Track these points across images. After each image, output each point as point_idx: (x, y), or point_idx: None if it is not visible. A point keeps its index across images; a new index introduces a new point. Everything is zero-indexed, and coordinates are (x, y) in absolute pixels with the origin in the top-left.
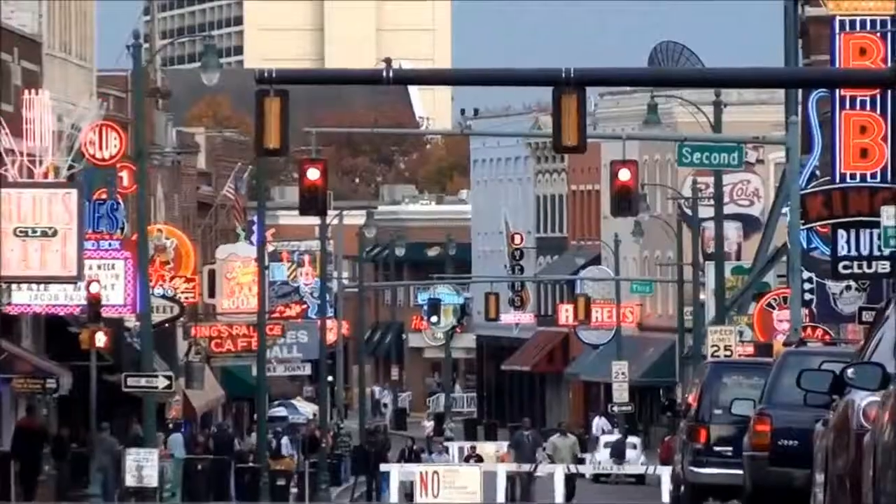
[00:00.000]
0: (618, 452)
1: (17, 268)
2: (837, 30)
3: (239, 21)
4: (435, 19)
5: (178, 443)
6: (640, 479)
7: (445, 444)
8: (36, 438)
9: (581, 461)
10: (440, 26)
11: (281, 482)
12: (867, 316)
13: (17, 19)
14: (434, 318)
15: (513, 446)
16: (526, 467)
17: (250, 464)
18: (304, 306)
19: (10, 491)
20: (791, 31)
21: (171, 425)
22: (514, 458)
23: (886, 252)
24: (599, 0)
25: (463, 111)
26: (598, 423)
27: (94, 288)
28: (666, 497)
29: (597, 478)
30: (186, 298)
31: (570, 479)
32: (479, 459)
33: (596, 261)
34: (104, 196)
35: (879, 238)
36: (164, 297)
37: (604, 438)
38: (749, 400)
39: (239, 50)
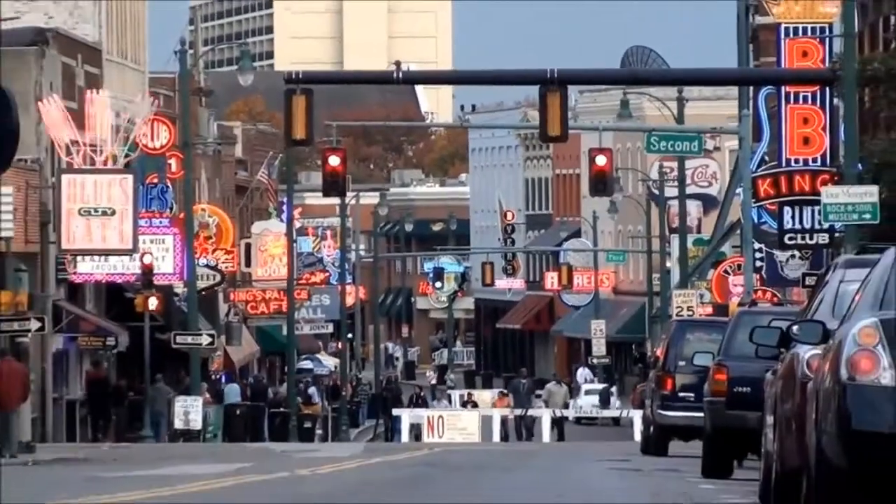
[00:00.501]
0: (604, 399)
1: (81, 242)
2: (783, 35)
3: (270, 30)
4: (438, 27)
5: (234, 392)
6: (616, 421)
7: (448, 391)
8: (102, 388)
9: (567, 406)
10: (442, 34)
11: (308, 425)
12: (810, 280)
13: (81, 29)
14: (438, 284)
15: (511, 392)
16: (518, 411)
17: (282, 409)
18: (327, 274)
19: (75, 432)
20: (743, 37)
21: (216, 377)
22: (513, 402)
23: (825, 226)
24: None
25: (462, 107)
26: (582, 372)
27: (147, 259)
28: (638, 437)
29: (579, 420)
30: (226, 268)
31: (559, 422)
32: (476, 405)
33: (577, 234)
34: (155, 180)
35: (820, 214)
36: (207, 266)
37: (586, 387)
38: (708, 353)
39: (270, 55)
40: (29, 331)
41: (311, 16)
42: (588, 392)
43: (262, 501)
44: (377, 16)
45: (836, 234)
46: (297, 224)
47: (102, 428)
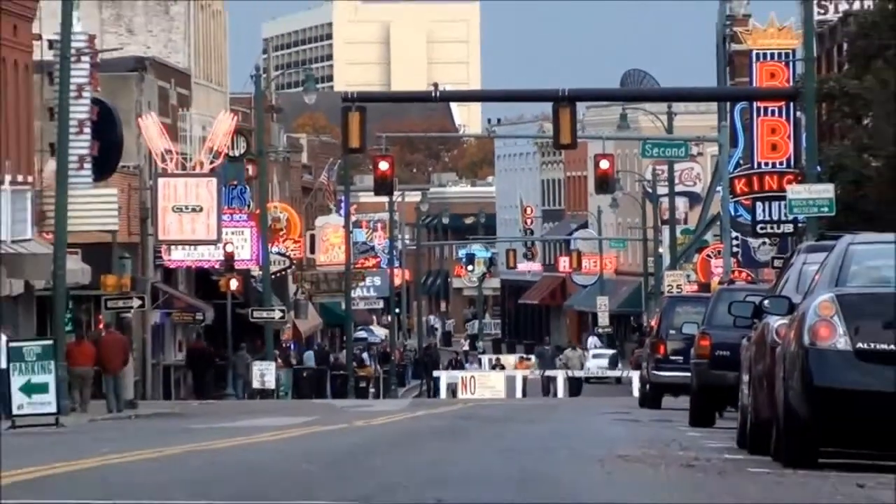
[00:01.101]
0: (613, 363)
1: (174, 234)
2: (754, 60)
3: (330, 58)
4: (469, 54)
5: (310, 357)
6: (618, 380)
7: (478, 356)
8: (202, 356)
9: (582, 367)
10: (472, 59)
11: (363, 384)
12: (777, 263)
13: (173, 58)
14: (470, 267)
15: (537, 356)
16: (537, 373)
17: (341, 371)
18: (378, 259)
19: (171, 391)
20: (721, 61)
21: (286, 345)
22: (538, 364)
23: (790, 218)
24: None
25: (489, 120)
26: (592, 340)
27: (229, 248)
28: (636, 393)
29: (587, 379)
30: (294, 254)
31: (577, 381)
32: (502, 368)
33: (584, 225)
34: (235, 183)
35: (785, 208)
36: (278, 253)
37: (594, 351)
38: (694, 323)
39: (330, 78)
40: (131, 308)
41: (364, 45)
42: (596, 356)
43: (327, 448)
44: (418, 46)
45: (799, 225)
46: (353, 218)
47: (201, 389)
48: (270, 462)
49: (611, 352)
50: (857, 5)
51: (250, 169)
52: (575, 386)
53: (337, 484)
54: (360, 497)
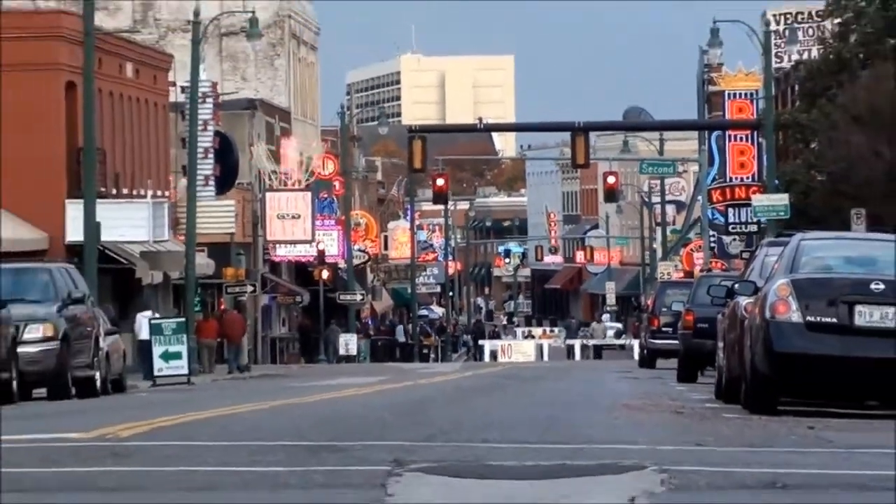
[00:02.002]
0: (618, 333)
1: (278, 235)
2: (727, 98)
3: (398, 98)
4: (504, 95)
5: (400, 331)
6: (622, 347)
7: (514, 329)
8: (307, 330)
9: (605, 336)
10: (507, 99)
11: (426, 351)
12: (745, 255)
13: (277, 99)
14: (507, 260)
15: (565, 328)
16: (560, 342)
17: (409, 341)
18: (436, 254)
19: (276, 358)
20: (701, 99)
21: (365, 321)
22: (566, 335)
23: (755, 220)
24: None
25: (521, 145)
26: (605, 317)
27: (321, 246)
28: (636, 357)
29: (601, 347)
30: (371, 251)
31: (599, 349)
32: (532, 337)
33: (595, 227)
34: (325, 196)
35: (751, 212)
36: (359, 250)
37: (607, 325)
38: (681, 302)
39: (399, 114)
40: (245, 293)
41: (425, 88)
42: (608, 329)
43: (397, 401)
44: (466, 89)
45: (762, 225)
46: (417, 222)
47: (307, 354)
48: (353, 411)
49: (617, 325)
50: (805, 55)
51: (337, 185)
52: (597, 352)
53: (405, 428)
54: (424, 437)
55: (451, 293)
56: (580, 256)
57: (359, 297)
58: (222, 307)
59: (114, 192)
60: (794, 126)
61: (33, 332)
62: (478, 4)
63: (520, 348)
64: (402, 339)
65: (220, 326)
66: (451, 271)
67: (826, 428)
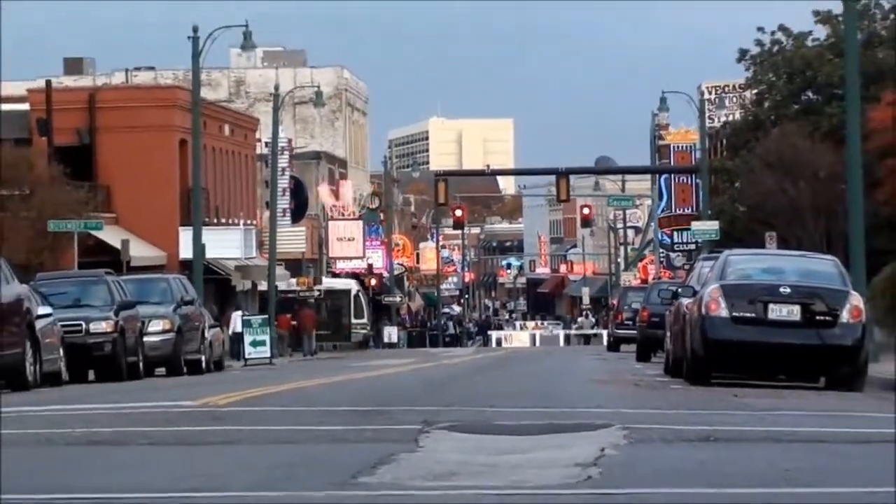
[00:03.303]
0: (591, 325)
1: (338, 253)
2: (672, 149)
3: (427, 150)
4: (507, 147)
5: (450, 325)
6: (595, 336)
7: (514, 322)
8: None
9: (592, 328)
10: (508, 150)
11: (447, 339)
12: (686, 267)
13: (337, 151)
14: (508, 271)
15: (561, 321)
16: (548, 332)
17: (435, 331)
18: (455, 267)
19: (336, 346)
20: (653, 149)
21: (403, 317)
22: (562, 326)
23: (694, 241)
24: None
25: (519, 185)
26: (587, 314)
27: (370, 261)
28: (605, 343)
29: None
30: (407, 264)
31: (588, 338)
32: (527, 329)
33: (574, 246)
34: (373, 224)
35: (691, 235)
36: (399, 264)
37: (584, 320)
38: (638, 302)
39: (427, 161)
40: (313, 296)
41: (447, 143)
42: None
43: (425, 376)
44: (477, 143)
45: (699, 245)
46: (441, 243)
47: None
48: (394, 384)
49: (592, 320)
50: (730, 117)
51: (381, 215)
52: (586, 339)
53: (431, 397)
54: (446, 404)
55: (466, 296)
56: (563, 268)
57: (398, 299)
58: (298, 307)
59: (215, 221)
60: (723, 170)
61: (155, 325)
62: (486, 80)
63: (518, 337)
64: (450, 330)
65: (297, 320)
66: (466, 280)
67: (747, 396)
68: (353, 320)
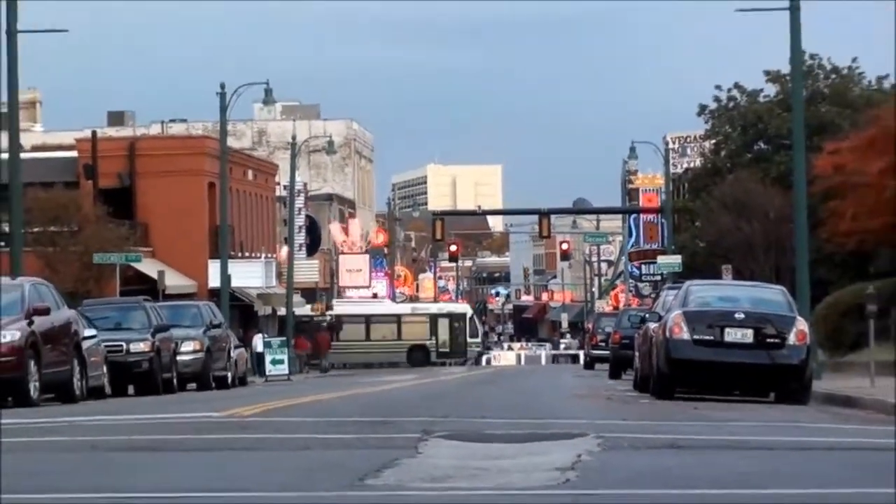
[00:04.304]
0: (577, 346)
1: (347, 283)
2: (640, 192)
3: (426, 193)
4: (496, 189)
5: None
6: (575, 357)
7: (503, 343)
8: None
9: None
10: (497, 193)
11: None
12: (653, 296)
13: (346, 193)
14: (497, 298)
15: (548, 342)
16: (532, 352)
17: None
18: (450, 295)
19: (347, 364)
20: (624, 192)
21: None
22: (548, 347)
23: (659, 272)
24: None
25: (507, 224)
26: (568, 336)
27: (375, 290)
28: (582, 362)
29: (556, 356)
30: (408, 292)
31: (576, 357)
32: (512, 349)
33: (554, 277)
34: (378, 257)
35: (657, 267)
36: (400, 293)
37: (571, 341)
38: (611, 326)
39: (426, 202)
40: (325, 320)
41: (443, 186)
42: (567, 345)
43: (425, 390)
44: (469, 186)
45: (664, 276)
46: (438, 274)
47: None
48: (397, 398)
49: (577, 342)
50: (692, 164)
51: (385, 250)
52: (573, 359)
53: (430, 409)
54: (442, 415)
55: None
56: (545, 296)
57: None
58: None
59: (239, 254)
60: (685, 211)
61: (187, 346)
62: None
63: (505, 357)
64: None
65: (313, 342)
66: None
67: (706, 408)
68: (469, 339)
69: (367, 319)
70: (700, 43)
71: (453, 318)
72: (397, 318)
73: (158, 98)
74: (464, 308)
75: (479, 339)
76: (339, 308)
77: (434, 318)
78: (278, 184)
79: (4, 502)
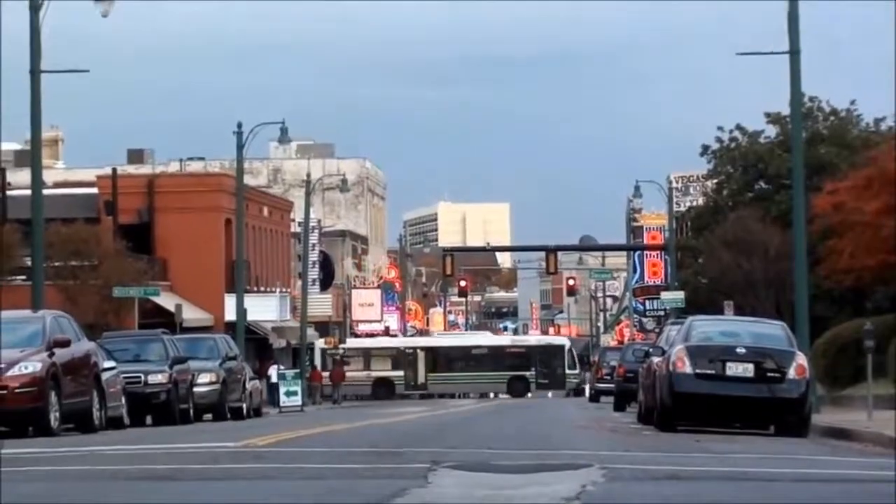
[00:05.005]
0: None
1: (360, 316)
2: (645, 230)
3: (436, 230)
4: (503, 228)
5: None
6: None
7: None
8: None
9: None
10: (505, 230)
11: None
12: (656, 330)
13: (359, 230)
14: (506, 332)
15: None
16: None
17: None
18: (460, 329)
19: (359, 396)
20: (628, 229)
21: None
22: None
23: (663, 308)
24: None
25: (515, 260)
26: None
27: (387, 324)
28: (587, 395)
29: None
30: (419, 327)
31: (581, 390)
32: None
33: (561, 311)
34: (390, 291)
35: (661, 303)
36: (411, 326)
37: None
38: (616, 359)
39: (436, 239)
40: (339, 353)
41: (453, 223)
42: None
43: (435, 421)
44: (478, 223)
45: (667, 311)
46: (448, 309)
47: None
48: (408, 429)
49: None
50: (694, 203)
51: (397, 284)
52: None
53: (439, 440)
54: (451, 445)
55: None
56: (551, 330)
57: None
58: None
59: (255, 288)
60: (688, 248)
61: (204, 378)
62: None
63: None
64: None
65: (331, 375)
66: None
67: (707, 440)
68: (567, 371)
69: (467, 350)
70: (703, 84)
71: (552, 350)
72: (498, 350)
73: (177, 136)
74: (562, 341)
75: (577, 371)
76: (438, 340)
77: (533, 350)
78: (293, 220)
79: None
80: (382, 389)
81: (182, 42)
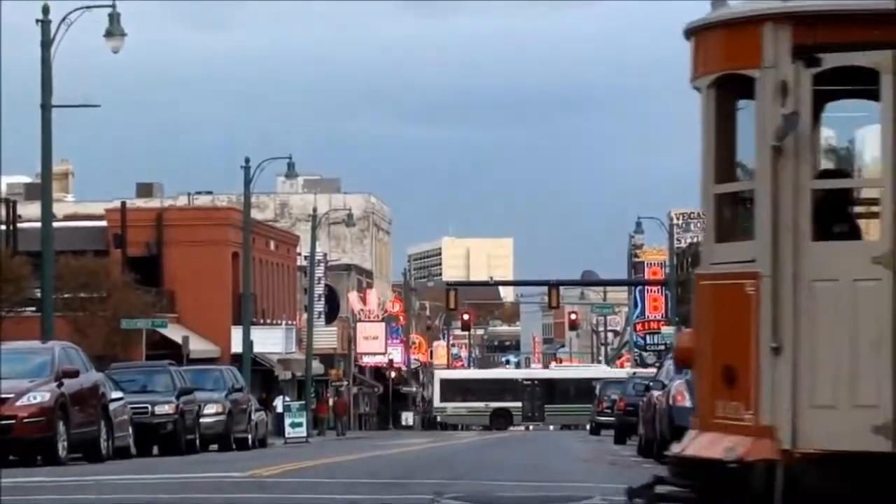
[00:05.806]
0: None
1: (364, 349)
2: (646, 265)
3: (440, 264)
4: (507, 262)
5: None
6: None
7: None
8: (385, 411)
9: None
10: (508, 264)
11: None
12: (657, 364)
13: (364, 264)
14: (508, 365)
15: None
16: None
17: None
18: (463, 362)
19: (364, 425)
20: (629, 264)
21: (418, 404)
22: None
23: (663, 342)
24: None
25: (517, 294)
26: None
27: (391, 357)
28: (588, 428)
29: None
30: (423, 360)
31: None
32: None
33: (563, 346)
34: (394, 325)
35: (661, 337)
36: (415, 359)
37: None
38: (616, 393)
39: (440, 273)
40: (343, 385)
41: (456, 258)
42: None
43: (439, 452)
44: (482, 258)
45: (667, 345)
46: (451, 342)
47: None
48: (410, 460)
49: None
50: (695, 239)
51: (401, 318)
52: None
53: (443, 471)
54: (454, 477)
55: None
56: (553, 364)
57: (414, 389)
58: (327, 394)
59: (261, 321)
60: (688, 283)
61: (210, 409)
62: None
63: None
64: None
65: (333, 406)
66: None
67: None
68: None
69: (584, 383)
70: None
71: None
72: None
73: (185, 171)
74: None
75: None
76: (553, 373)
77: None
78: (299, 254)
79: None
80: (500, 420)
81: (191, 74)
